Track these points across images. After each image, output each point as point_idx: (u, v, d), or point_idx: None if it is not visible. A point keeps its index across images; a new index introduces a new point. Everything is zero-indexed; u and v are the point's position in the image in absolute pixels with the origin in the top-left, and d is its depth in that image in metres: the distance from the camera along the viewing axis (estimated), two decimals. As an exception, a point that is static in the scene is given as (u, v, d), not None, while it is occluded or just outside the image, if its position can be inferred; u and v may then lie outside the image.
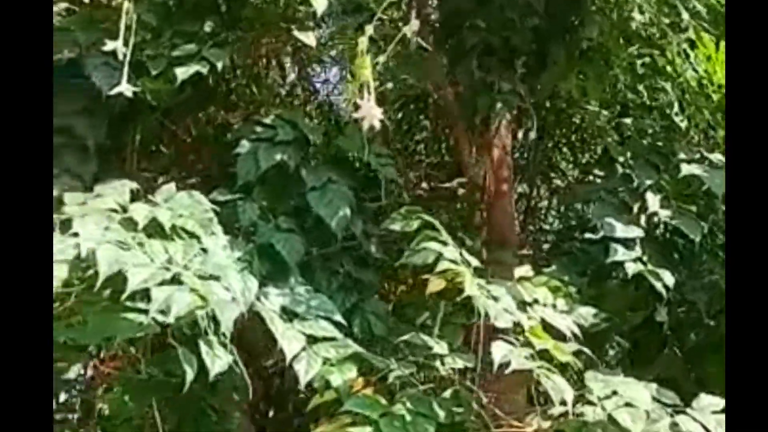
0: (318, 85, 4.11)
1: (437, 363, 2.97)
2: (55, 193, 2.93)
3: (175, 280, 2.36)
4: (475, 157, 3.96)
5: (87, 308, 2.43)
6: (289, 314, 2.87)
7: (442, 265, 2.75)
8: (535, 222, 4.90)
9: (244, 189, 3.15)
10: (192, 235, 2.56)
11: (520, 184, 4.58)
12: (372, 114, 2.92)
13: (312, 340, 2.81)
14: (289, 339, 2.76)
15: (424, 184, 4.48)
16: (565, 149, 4.85)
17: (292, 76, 3.77)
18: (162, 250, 2.48)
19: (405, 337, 2.99)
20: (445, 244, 2.84)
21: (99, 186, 2.91)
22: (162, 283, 2.33)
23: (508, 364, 2.57)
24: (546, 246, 4.61)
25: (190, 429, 3.06)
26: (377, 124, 2.97)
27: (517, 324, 2.72)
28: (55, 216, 2.63)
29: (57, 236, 2.53)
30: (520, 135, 4.54)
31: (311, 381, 2.74)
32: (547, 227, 4.92)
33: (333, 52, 4.17)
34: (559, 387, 2.68)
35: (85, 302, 2.45)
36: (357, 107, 2.93)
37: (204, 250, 2.54)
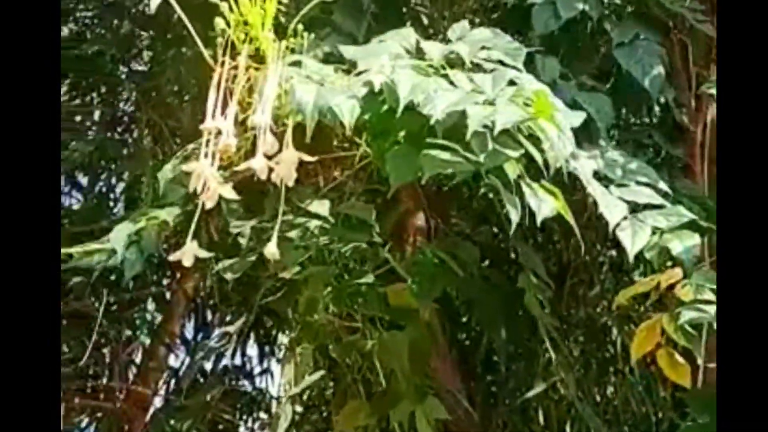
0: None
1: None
2: (326, 49, 2.63)
3: (490, 105, 1.93)
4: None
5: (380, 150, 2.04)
6: (603, 179, 2.40)
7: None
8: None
9: (540, 43, 2.70)
10: (499, 64, 2.13)
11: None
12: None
13: (635, 207, 2.33)
14: (609, 205, 2.29)
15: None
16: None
17: None
18: (466, 80, 2.05)
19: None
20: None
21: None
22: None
23: None
24: None
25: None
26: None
27: None
28: (332, 66, 2.29)
29: (345, 77, 2.17)
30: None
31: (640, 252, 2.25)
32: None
33: None
34: None
35: (378, 145, 2.07)
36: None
37: (513, 83, 2.08)
